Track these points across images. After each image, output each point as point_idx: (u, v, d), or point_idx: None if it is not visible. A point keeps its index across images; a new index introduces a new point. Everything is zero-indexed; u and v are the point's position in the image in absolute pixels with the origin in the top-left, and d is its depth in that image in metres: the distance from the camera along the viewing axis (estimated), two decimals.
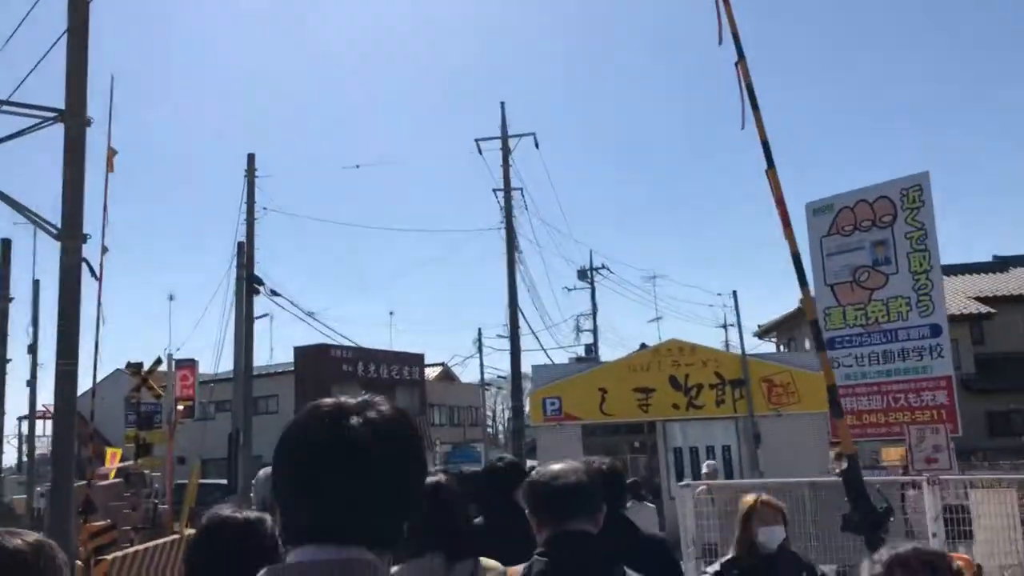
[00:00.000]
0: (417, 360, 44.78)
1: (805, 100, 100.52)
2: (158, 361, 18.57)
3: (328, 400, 1.39)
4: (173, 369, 23.44)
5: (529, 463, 23.94)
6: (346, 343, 36.47)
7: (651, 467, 20.81)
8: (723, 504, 7.50)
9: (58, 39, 11.91)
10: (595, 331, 45.29)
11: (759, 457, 20.02)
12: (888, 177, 13.99)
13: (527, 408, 28.98)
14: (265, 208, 23.27)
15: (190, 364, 24.16)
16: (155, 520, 17.01)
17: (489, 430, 64.77)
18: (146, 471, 17.72)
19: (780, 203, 5.66)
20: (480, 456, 53.72)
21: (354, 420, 1.31)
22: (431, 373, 52.95)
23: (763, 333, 32.08)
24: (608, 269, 44.70)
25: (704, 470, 11.17)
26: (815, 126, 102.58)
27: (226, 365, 24.33)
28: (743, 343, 21.84)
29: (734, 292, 21.58)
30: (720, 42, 6.32)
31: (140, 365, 18.15)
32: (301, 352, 39.03)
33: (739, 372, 20.41)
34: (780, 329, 33.50)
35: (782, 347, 33.08)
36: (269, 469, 5.57)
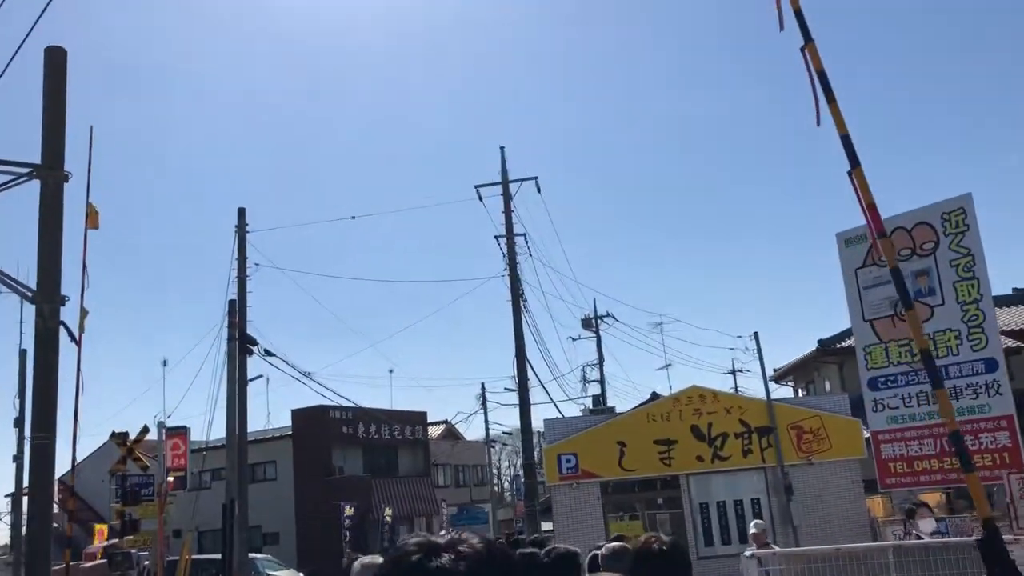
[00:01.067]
0: (420, 419, 43.36)
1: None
2: (144, 430, 17.33)
3: (414, 540, 1.29)
4: (163, 438, 22.21)
5: (544, 526, 22.44)
6: (345, 403, 35.22)
7: (674, 525, 19.46)
8: None
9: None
10: (602, 381, 44.06)
11: (791, 510, 18.72)
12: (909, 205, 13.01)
13: (540, 465, 27.64)
14: (257, 264, 22.32)
15: (181, 432, 22.87)
16: None
17: (495, 488, 62.98)
18: (133, 550, 16.39)
19: (872, 209, 4.60)
20: (487, 517, 51.98)
21: (445, 559, 1.21)
22: (434, 432, 51.46)
23: (779, 377, 30.81)
24: (613, 317, 43.63)
25: (752, 530, 9.93)
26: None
27: (219, 431, 23.03)
28: (768, 387, 20.63)
29: (755, 333, 20.45)
30: (782, 28, 5.32)
31: (125, 435, 16.93)
32: (299, 415, 37.66)
33: (766, 419, 19.22)
34: (797, 373, 32.27)
35: (800, 391, 31.82)
36: (367, 559, 4.29)
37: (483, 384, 48.11)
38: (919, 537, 6.97)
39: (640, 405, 21.45)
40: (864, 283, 13.13)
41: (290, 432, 38.21)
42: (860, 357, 13.08)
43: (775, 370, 32.62)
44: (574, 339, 47.14)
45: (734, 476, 19.36)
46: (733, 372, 41.65)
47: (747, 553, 10.10)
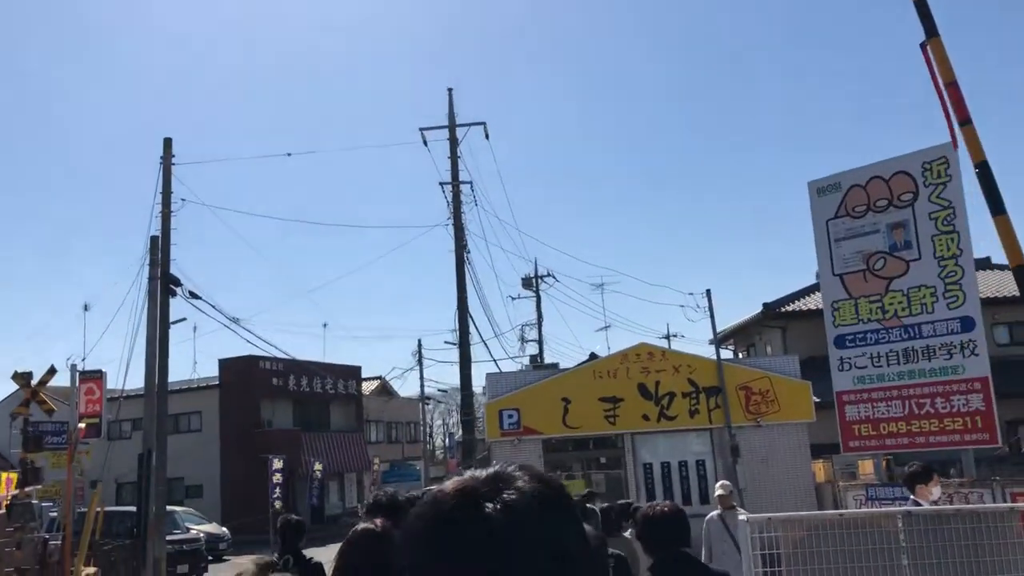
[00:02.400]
0: (354, 373, 42.17)
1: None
2: (51, 370, 15.82)
3: (449, 486, 1.00)
4: (76, 382, 20.67)
5: None
6: (277, 354, 33.89)
7: (615, 484, 18.80)
8: (792, 544, 5.53)
9: None
10: (540, 341, 43.50)
11: (737, 472, 18.19)
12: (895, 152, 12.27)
13: (480, 422, 26.81)
14: (183, 200, 20.71)
15: (96, 376, 21.32)
16: (45, 559, 14.30)
17: (428, 446, 62.25)
18: (35, 500, 15.00)
19: (952, 89, 3.67)
20: (419, 474, 51.26)
21: (488, 508, 0.95)
22: (368, 388, 50.32)
23: (721, 340, 30.42)
24: (554, 277, 42.94)
25: (719, 491, 9.16)
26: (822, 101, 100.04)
27: (138, 378, 21.52)
28: (718, 347, 19.99)
29: (708, 291, 19.72)
30: None
31: (29, 375, 15.41)
32: (227, 365, 36.12)
33: (714, 379, 18.60)
34: (739, 336, 31.93)
35: (740, 355, 31.50)
36: None
37: (420, 340, 47.17)
38: (916, 503, 6.26)
39: (585, 362, 20.64)
40: (836, 235, 12.39)
41: (217, 382, 36.66)
42: (827, 314, 12.39)
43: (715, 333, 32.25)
44: (514, 298, 46.48)
45: (680, 436, 18.75)
46: (668, 337, 41.32)
47: (715, 514, 9.31)
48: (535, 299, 43.43)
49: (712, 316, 19.86)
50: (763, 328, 29.22)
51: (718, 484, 9.33)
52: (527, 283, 43.46)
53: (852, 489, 11.65)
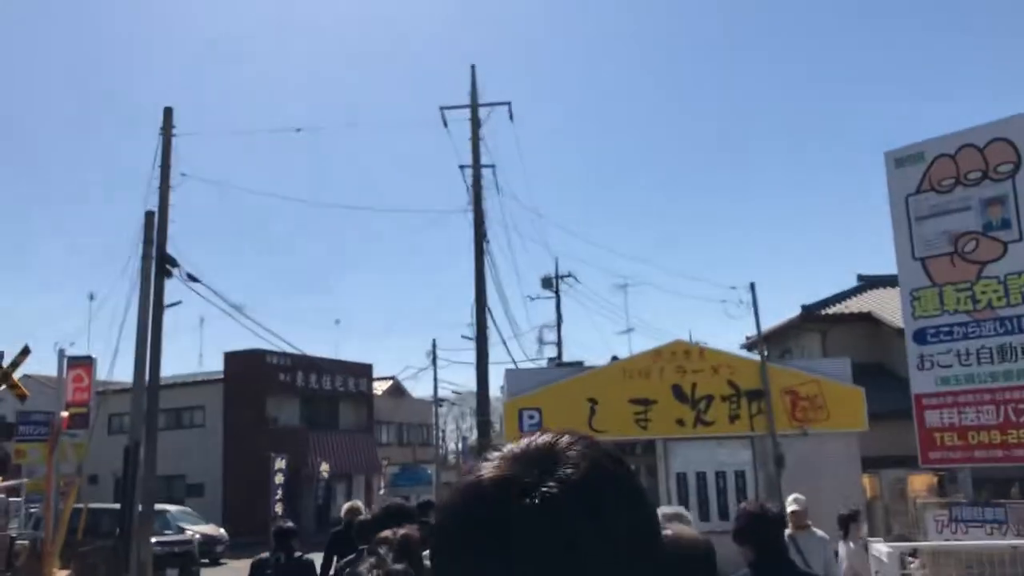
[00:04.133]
0: (365, 371, 40.64)
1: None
2: (25, 351, 14.37)
3: (488, 467, 0.86)
4: (64, 369, 19.25)
5: None
6: (286, 348, 32.45)
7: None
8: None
9: None
10: (559, 344, 41.92)
11: (781, 485, 16.46)
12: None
13: (496, 424, 25.20)
14: (184, 174, 19.20)
15: (86, 363, 19.97)
16: (11, 559, 12.81)
17: (440, 450, 60.63)
18: (1, 495, 13.51)
19: None
20: (431, 478, 49.66)
21: (546, 490, 0.80)
22: (379, 387, 48.81)
23: (751, 345, 28.62)
24: (575, 278, 41.32)
25: (793, 507, 7.49)
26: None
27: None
28: (762, 346, 18.26)
29: (752, 284, 17.98)
30: None
31: None
32: (232, 358, 34.67)
33: (757, 382, 16.89)
34: (772, 341, 30.09)
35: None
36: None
37: (434, 340, 45.63)
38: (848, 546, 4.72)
39: (614, 359, 18.96)
40: (918, 213, 10.68)
41: (222, 376, 35.21)
42: (905, 304, 10.66)
43: (747, 337, 30.49)
44: (532, 298, 45.25)
45: (718, 444, 17.05)
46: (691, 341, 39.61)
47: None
48: (555, 300, 42.01)
49: (756, 311, 18.17)
50: (801, 332, 27.41)
51: (791, 499, 7.65)
52: (547, 283, 42.02)
53: (931, 509, 9.90)
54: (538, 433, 0.88)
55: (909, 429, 22.41)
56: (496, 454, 0.86)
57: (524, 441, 0.87)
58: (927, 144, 10.76)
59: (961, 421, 10.15)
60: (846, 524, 8.12)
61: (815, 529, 7.56)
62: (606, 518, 0.80)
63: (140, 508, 16.86)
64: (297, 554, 7.27)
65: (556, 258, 50.02)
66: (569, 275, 41.61)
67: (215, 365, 37.64)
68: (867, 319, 26.17)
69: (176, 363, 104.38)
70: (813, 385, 16.87)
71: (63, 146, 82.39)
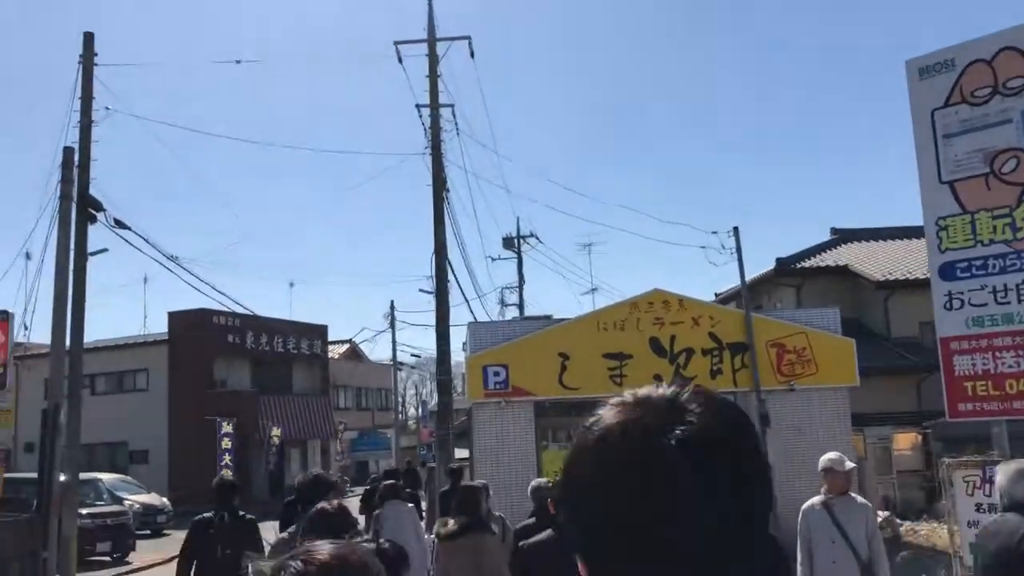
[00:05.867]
0: (319, 332, 38.84)
1: None
2: None
3: (611, 415, 0.88)
4: None
5: (459, 454, 18.41)
6: (236, 308, 30.58)
7: None
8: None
9: None
10: (521, 306, 40.64)
11: (767, 443, 15.22)
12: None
13: (459, 385, 23.75)
14: (108, 108, 17.22)
15: (2, 318, 18.02)
16: None
17: (399, 415, 59.16)
18: None
19: None
20: (390, 443, 48.25)
21: (665, 445, 0.82)
22: (336, 351, 47.08)
23: (723, 300, 27.40)
24: (537, 238, 39.83)
25: (829, 465, 6.07)
26: None
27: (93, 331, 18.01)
28: (746, 296, 16.92)
29: (735, 228, 16.60)
30: None
31: None
32: (177, 318, 32.66)
33: (741, 333, 15.58)
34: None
35: None
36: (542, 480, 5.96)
37: (392, 301, 43.98)
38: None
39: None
40: (946, 129, 9.23)
41: (166, 337, 33.22)
42: (931, 234, 9.26)
43: (716, 294, 29.30)
44: (494, 259, 43.94)
45: None
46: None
47: (817, 501, 6.25)
48: (516, 260, 40.69)
49: (740, 256, 16.81)
50: (774, 287, 26.22)
51: (827, 458, 6.23)
52: (508, 243, 40.67)
53: (961, 468, 8.60)
54: (654, 385, 0.90)
55: (889, 387, 21.51)
56: (622, 401, 0.88)
57: (643, 391, 0.88)
58: (958, 49, 9.29)
59: (997, 368, 8.79)
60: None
61: (855, 495, 6.17)
62: (743, 461, 0.83)
63: (63, 477, 15.17)
64: (241, 513, 6.94)
65: (517, 217, 48.54)
66: (531, 235, 40.32)
67: (161, 328, 35.61)
68: (844, 272, 25.12)
69: (119, 326, 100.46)
70: (801, 337, 15.61)
71: None
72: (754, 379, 15.46)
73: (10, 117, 75.95)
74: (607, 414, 0.86)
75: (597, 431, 0.85)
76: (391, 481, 9.20)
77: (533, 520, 6.12)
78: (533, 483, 6.71)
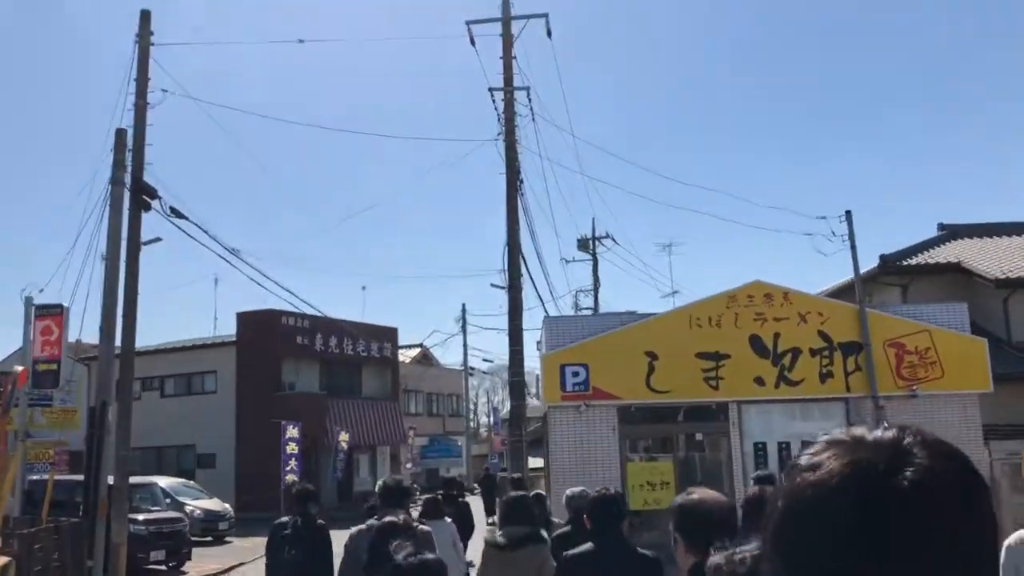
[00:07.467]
0: (389, 335, 37.81)
1: None
2: None
3: (829, 455, 0.85)
4: (31, 320, 16.57)
5: (533, 463, 16.88)
6: (306, 309, 29.77)
7: (715, 469, 14.06)
8: None
9: None
10: (596, 309, 39.02)
11: None
12: None
13: (532, 387, 22.29)
14: (165, 91, 16.29)
15: (56, 312, 17.19)
16: None
17: (471, 423, 57.98)
18: None
19: None
20: (461, 451, 47.03)
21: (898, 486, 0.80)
22: (406, 356, 46.12)
23: (836, 294, 25.21)
24: (613, 239, 38.12)
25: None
26: None
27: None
28: (860, 288, 15.03)
29: (847, 212, 14.73)
30: None
31: None
32: (245, 319, 32.00)
33: (855, 331, 13.71)
34: (845, 296, 26.66)
35: None
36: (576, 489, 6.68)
37: (464, 305, 42.85)
38: None
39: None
40: None
41: (235, 339, 32.59)
42: None
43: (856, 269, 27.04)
44: (568, 261, 42.39)
45: (806, 408, 13.92)
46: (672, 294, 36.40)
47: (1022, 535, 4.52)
48: (592, 263, 39.12)
49: (852, 243, 14.92)
50: (878, 286, 24.01)
51: None
52: (583, 245, 39.09)
53: None
54: (871, 426, 0.88)
55: (1012, 394, 19.23)
56: (834, 441, 0.86)
57: (856, 431, 0.87)
58: None
59: None
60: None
61: None
62: (973, 510, 0.80)
63: (111, 480, 14.24)
64: (318, 521, 7.19)
65: (593, 218, 46.67)
66: (607, 236, 38.64)
67: (228, 330, 35.09)
68: (955, 270, 22.78)
69: (190, 329, 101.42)
70: (924, 336, 13.70)
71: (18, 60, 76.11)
72: (870, 383, 13.58)
73: (60, 101, 75.83)
74: (824, 453, 0.84)
75: (820, 471, 0.82)
76: (433, 496, 9.25)
77: (569, 528, 6.27)
78: (568, 491, 6.97)
